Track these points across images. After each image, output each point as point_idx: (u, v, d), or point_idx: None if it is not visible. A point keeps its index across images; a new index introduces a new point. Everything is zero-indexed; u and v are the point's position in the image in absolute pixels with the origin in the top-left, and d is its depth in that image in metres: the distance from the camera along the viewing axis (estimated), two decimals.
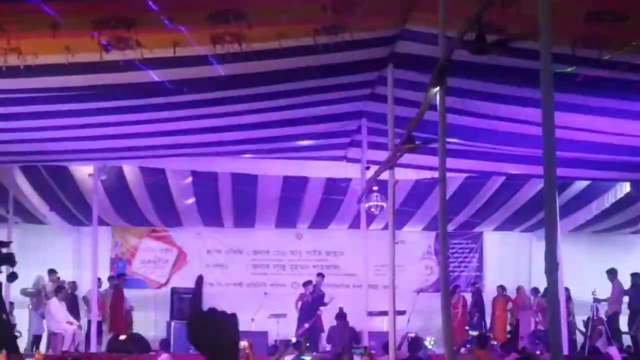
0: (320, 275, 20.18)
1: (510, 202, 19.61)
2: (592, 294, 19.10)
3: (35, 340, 19.03)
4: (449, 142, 8.93)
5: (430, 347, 17.06)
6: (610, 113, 12.38)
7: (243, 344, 10.70)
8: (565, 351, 15.80)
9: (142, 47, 9.29)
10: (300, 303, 19.49)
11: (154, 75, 10.46)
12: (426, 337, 18.37)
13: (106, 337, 18.86)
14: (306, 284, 19.89)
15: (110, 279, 20.24)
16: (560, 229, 15.87)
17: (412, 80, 11.60)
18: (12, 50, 9.21)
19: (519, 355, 14.89)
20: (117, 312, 19.75)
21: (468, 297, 21.11)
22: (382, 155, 12.87)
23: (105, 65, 9.64)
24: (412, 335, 18.39)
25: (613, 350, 13.88)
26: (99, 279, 18.90)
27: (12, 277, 13.09)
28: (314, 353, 16.77)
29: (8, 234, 17.11)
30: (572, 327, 19.29)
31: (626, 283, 19.21)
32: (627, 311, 19.06)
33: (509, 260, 22.71)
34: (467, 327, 19.90)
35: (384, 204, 15.04)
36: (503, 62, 10.35)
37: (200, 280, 3.00)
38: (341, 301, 19.48)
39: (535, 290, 20.43)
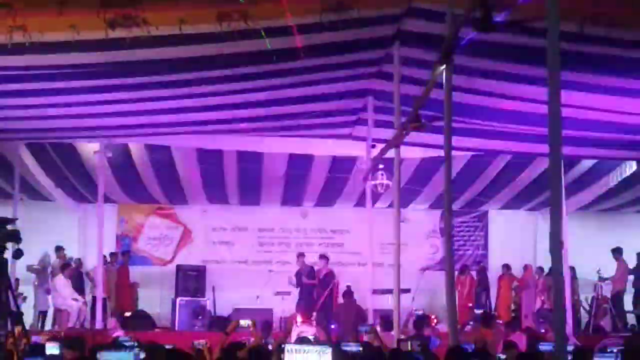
0: (323, 257, 19.99)
1: (516, 180, 19.57)
2: (597, 272, 19.12)
3: (41, 316, 19.12)
4: (455, 120, 8.93)
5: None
6: (617, 91, 12.35)
7: (247, 322, 10.72)
8: (570, 330, 15.84)
9: (148, 24, 9.28)
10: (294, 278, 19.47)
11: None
12: (431, 315, 18.40)
13: (111, 314, 18.92)
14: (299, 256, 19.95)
15: (112, 255, 20.16)
16: (566, 208, 15.97)
17: (418, 58, 11.59)
18: (18, 28, 9.21)
19: (524, 333, 14.91)
20: (122, 289, 19.80)
21: (473, 275, 21.11)
22: (388, 134, 12.88)
23: (111, 42, 9.64)
24: (419, 312, 18.47)
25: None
26: (105, 257, 18.95)
27: (17, 253, 13.14)
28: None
29: (13, 211, 17.13)
30: (576, 305, 19.31)
31: (631, 262, 19.23)
32: (632, 290, 19.09)
33: (514, 239, 22.70)
34: (470, 305, 19.91)
35: (390, 182, 15.03)
36: (510, 40, 10.33)
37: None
38: (347, 279, 19.49)
39: (540, 269, 20.42)
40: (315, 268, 19.36)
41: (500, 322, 17.42)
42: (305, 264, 19.60)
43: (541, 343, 10.60)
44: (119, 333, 14.60)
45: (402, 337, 11.69)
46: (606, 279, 19.23)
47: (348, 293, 18.46)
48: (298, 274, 19.38)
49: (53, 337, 11.65)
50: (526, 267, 20.94)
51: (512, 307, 20.37)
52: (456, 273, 17.85)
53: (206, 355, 8.59)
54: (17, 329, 10.30)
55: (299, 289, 19.11)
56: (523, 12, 8.53)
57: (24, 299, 18.63)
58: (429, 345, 11.75)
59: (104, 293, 18.08)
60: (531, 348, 11.87)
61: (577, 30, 9.43)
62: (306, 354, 6.86)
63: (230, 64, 11.56)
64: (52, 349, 9.30)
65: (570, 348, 7.20)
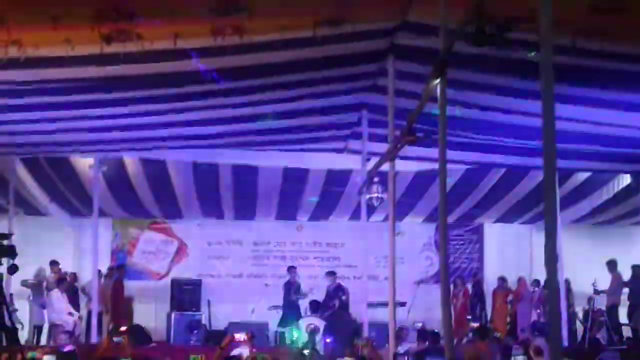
0: (330, 273, 20.11)
1: (511, 193, 19.60)
2: (593, 285, 19.12)
3: (36, 331, 19.07)
4: (450, 134, 8.94)
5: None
6: (611, 104, 12.38)
7: (242, 336, 10.74)
8: (565, 342, 15.84)
9: (142, 39, 9.30)
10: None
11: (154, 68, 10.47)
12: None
13: (107, 328, 18.88)
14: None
15: (109, 270, 20.19)
16: (561, 220, 15.97)
17: (413, 72, 11.60)
18: (13, 43, 9.22)
19: (521, 346, 14.87)
20: (117, 303, 19.76)
21: (468, 287, 21.11)
22: (382, 147, 12.88)
23: (105, 57, 9.65)
24: (418, 325, 18.45)
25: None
26: (100, 271, 18.92)
27: (12, 269, 13.13)
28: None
29: (9, 226, 17.12)
30: (572, 318, 19.31)
31: (627, 274, 19.24)
32: (627, 302, 19.09)
33: (509, 251, 22.74)
34: (469, 317, 19.91)
35: (385, 196, 15.03)
36: (504, 54, 10.35)
37: None
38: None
39: (536, 282, 20.43)
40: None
41: (498, 335, 17.45)
42: (295, 278, 19.68)
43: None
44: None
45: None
46: (601, 291, 19.24)
47: (342, 307, 18.49)
48: (287, 286, 19.45)
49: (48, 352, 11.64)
50: (520, 280, 20.95)
51: (508, 319, 20.35)
52: (451, 286, 17.87)
53: None
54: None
55: (283, 302, 19.22)
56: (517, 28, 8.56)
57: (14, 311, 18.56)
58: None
59: (99, 307, 18.05)
60: None
61: (571, 44, 9.46)
62: None
63: (225, 78, 11.57)
64: None
65: None
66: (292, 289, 19.49)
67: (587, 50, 9.79)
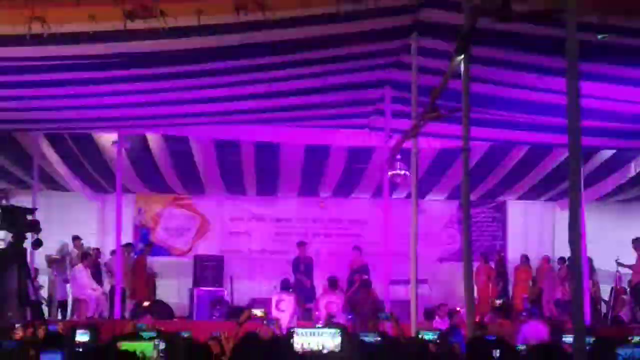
0: (357, 248, 20.22)
1: (534, 171, 19.51)
2: (616, 260, 19.02)
3: (61, 305, 19.23)
4: (473, 111, 8.91)
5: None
6: (635, 82, 12.29)
7: (260, 311, 10.81)
8: (588, 321, 15.80)
9: (165, 15, 9.31)
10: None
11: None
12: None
13: (130, 303, 19.02)
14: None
15: (127, 246, 19.81)
16: (585, 198, 15.91)
17: (436, 48, 11.55)
18: (37, 19, 9.26)
19: (546, 322, 14.85)
20: (138, 279, 19.80)
21: (492, 265, 21.04)
22: (405, 124, 12.85)
23: (129, 33, 9.67)
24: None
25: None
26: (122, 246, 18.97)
27: (37, 243, 13.24)
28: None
29: (33, 201, 17.23)
30: (595, 297, 19.22)
31: None
32: None
33: (532, 229, 22.66)
34: (493, 296, 19.87)
35: (407, 173, 15.00)
36: (528, 30, 10.29)
37: None
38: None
39: (562, 260, 20.27)
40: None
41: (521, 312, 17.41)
42: (305, 254, 19.75)
43: (564, 335, 10.54)
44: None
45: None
46: (625, 265, 19.06)
47: (365, 284, 18.51)
48: (296, 262, 19.52)
49: (72, 326, 11.72)
50: (543, 258, 20.88)
51: (532, 297, 20.26)
52: (475, 264, 17.82)
53: (224, 345, 8.62)
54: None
55: (294, 277, 19.31)
56: (542, 2, 8.49)
57: (40, 287, 18.71)
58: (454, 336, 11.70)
59: (122, 283, 18.17)
60: (554, 338, 11.80)
61: (596, 21, 9.39)
62: (318, 337, 6.89)
63: (247, 55, 11.57)
64: (82, 335, 9.38)
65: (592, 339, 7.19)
66: (299, 265, 19.54)
67: (612, 26, 9.71)
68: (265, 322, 11.28)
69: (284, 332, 11.87)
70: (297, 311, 17.51)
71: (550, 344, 8.59)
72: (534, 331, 12.82)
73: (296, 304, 17.70)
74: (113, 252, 19.13)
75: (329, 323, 15.60)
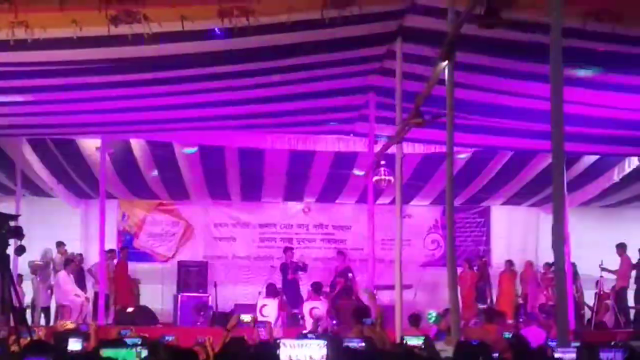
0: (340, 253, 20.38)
1: (518, 176, 19.58)
2: (600, 265, 19.06)
3: (44, 311, 19.13)
4: (457, 117, 8.93)
5: (431, 321, 16.96)
6: (619, 88, 12.34)
7: (248, 317, 10.80)
8: (572, 326, 15.83)
9: (149, 21, 9.29)
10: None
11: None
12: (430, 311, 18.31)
13: (113, 309, 18.95)
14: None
15: (109, 252, 19.70)
16: (568, 203, 15.96)
17: (421, 54, 11.57)
18: (20, 24, 9.22)
19: (542, 327, 14.82)
20: (121, 284, 19.72)
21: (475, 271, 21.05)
22: (390, 130, 12.89)
23: (113, 39, 9.64)
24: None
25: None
26: (106, 252, 18.89)
27: (20, 250, 13.15)
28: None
29: (16, 207, 17.15)
30: (579, 302, 19.25)
31: (635, 257, 19.20)
32: (634, 286, 19.05)
33: (516, 234, 22.72)
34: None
35: (392, 178, 15.01)
36: (512, 37, 10.32)
37: None
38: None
39: (546, 265, 20.29)
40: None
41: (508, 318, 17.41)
42: (292, 259, 19.78)
43: (549, 340, 10.55)
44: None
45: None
46: (609, 270, 19.11)
47: (346, 290, 18.56)
48: (284, 267, 19.54)
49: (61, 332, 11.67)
50: (526, 264, 20.93)
51: (520, 301, 20.28)
52: (458, 269, 17.82)
53: (209, 351, 8.61)
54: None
55: (282, 283, 19.31)
56: (525, 9, 8.53)
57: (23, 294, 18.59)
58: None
59: (106, 289, 18.09)
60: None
61: (580, 27, 9.43)
62: (305, 349, 6.88)
63: (231, 61, 11.56)
64: (74, 344, 9.31)
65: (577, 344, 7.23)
66: (288, 270, 19.57)
67: (596, 33, 9.75)
68: (254, 326, 11.25)
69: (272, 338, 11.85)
70: (281, 316, 17.51)
71: (534, 349, 8.60)
72: (534, 336, 12.79)
73: (280, 309, 17.70)
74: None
75: (315, 329, 15.62)
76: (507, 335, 11.79)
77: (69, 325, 13.05)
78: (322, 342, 6.94)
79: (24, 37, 9.42)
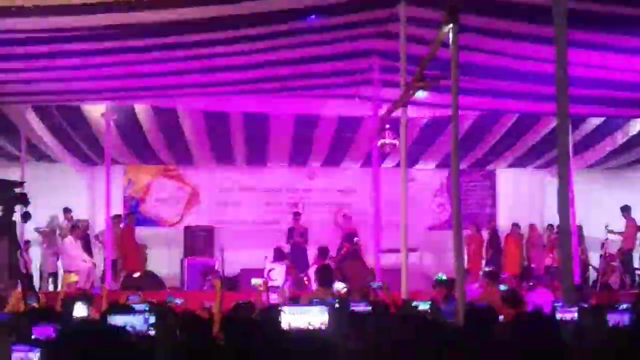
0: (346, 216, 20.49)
1: (524, 139, 19.55)
2: (605, 227, 19.09)
3: (52, 277, 19.23)
4: (462, 80, 8.89)
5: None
6: (624, 50, 12.29)
7: (259, 281, 10.84)
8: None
9: None
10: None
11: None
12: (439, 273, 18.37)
13: (120, 275, 19.03)
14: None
15: (115, 217, 19.61)
16: (574, 166, 15.95)
17: (425, 17, 11.51)
18: None
19: (550, 289, 14.82)
20: (128, 250, 19.78)
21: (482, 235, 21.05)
22: (394, 94, 12.83)
23: (116, 4, 9.61)
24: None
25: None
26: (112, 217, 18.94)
27: (25, 216, 13.21)
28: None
29: (21, 174, 17.16)
30: (584, 264, 19.30)
31: (639, 220, 19.23)
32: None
33: (522, 197, 22.72)
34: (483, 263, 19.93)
35: (397, 142, 14.99)
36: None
37: None
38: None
39: (550, 227, 20.37)
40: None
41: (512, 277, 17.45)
42: (299, 224, 19.82)
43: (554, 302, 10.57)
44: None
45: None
46: (615, 232, 19.15)
47: (353, 254, 18.60)
48: (290, 232, 19.60)
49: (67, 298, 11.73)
50: (531, 226, 20.96)
51: (524, 263, 20.34)
52: (465, 232, 17.86)
53: (216, 316, 8.65)
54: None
55: (289, 247, 19.37)
56: None
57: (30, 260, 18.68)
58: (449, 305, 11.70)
59: (113, 254, 18.16)
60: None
61: None
62: (305, 315, 6.88)
63: (235, 26, 11.51)
64: (79, 309, 9.34)
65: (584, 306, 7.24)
66: (294, 235, 19.65)
67: None
68: (266, 290, 11.25)
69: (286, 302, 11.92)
70: (289, 280, 17.58)
71: (538, 312, 8.61)
72: (540, 297, 12.80)
73: (288, 274, 17.78)
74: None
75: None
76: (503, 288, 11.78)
77: (73, 278, 13.12)
78: (324, 308, 6.94)
79: (26, 3, 9.39)
